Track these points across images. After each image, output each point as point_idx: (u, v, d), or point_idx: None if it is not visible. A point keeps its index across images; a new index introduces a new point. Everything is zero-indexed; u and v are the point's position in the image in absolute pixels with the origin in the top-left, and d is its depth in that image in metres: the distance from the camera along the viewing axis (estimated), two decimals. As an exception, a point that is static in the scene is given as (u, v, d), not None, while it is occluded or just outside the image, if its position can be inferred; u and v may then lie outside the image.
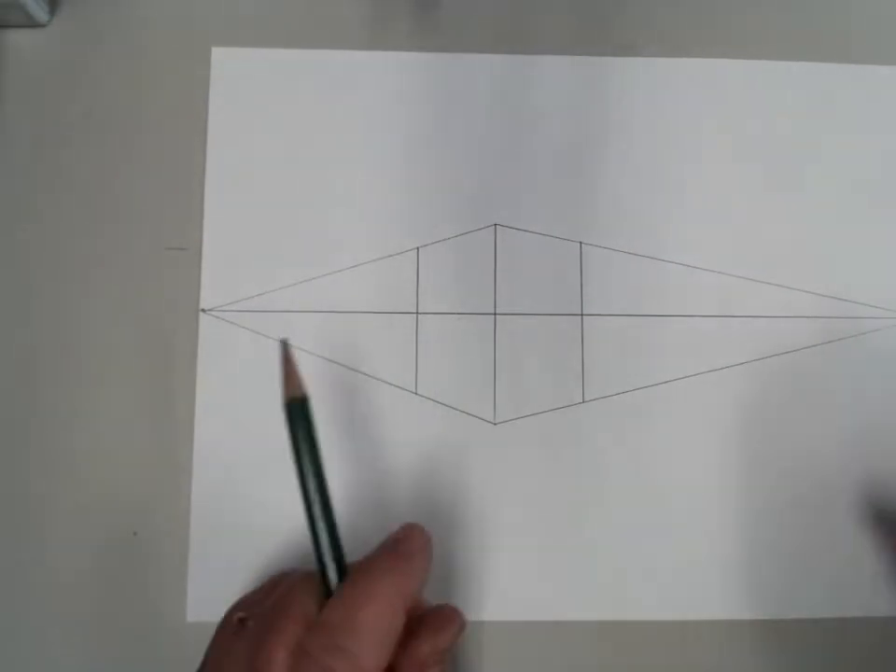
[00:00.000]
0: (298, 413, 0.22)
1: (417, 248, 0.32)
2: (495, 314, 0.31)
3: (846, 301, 0.32)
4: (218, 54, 0.33)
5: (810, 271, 0.32)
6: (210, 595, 0.30)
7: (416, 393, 0.31)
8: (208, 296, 0.31)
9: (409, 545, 0.23)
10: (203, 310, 0.31)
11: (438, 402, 0.31)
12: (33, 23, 0.32)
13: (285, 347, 0.22)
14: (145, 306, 0.31)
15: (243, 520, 0.30)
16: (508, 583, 0.30)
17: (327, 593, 0.22)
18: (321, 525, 0.22)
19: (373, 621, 0.21)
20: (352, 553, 0.23)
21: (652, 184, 0.33)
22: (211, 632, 0.30)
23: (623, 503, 0.31)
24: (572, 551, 0.31)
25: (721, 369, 0.32)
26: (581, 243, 0.32)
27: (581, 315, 0.32)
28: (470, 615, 0.30)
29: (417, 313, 0.32)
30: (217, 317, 0.31)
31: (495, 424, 0.31)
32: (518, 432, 0.31)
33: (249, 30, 0.33)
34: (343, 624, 0.21)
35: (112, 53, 0.33)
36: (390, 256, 0.32)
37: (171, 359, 0.31)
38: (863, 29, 0.34)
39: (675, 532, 0.31)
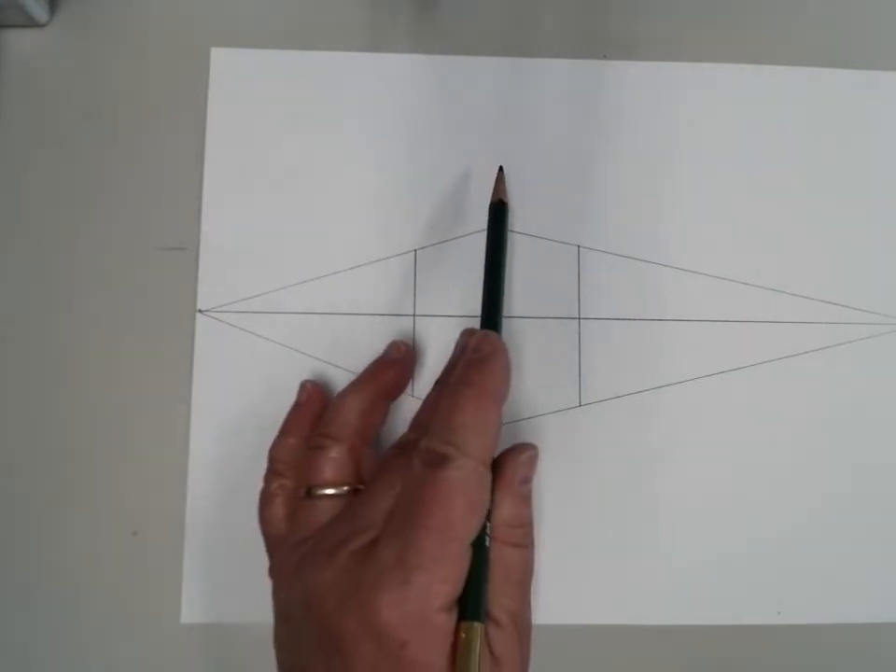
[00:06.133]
0: (498, 212, 0.30)
1: (415, 251, 0.32)
2: (492, 316, 0.31)
3: (845, 306, 0.32)
4: (218, 54, 0.33)
5: (810, 276, 0.32)
6: (204, 597, 0.30)
7: (413, 395, 0.31)
8: (205, 296, 0.31)
9: (480, 351, 0.26)
10: (200, 310, 0.31)
11: (434, 405, 0.31)
12: (32, 23, 0.32)
13: (501, 171, 0.31)
14: (142, 306, 0.31)
15: (239, 522, 0.30)
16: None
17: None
18: (496, 294, 0.29)
19: (471, 419, 0.24)
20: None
21: (651, 188, 0.33)
22: (206, 634, 0.30)
23: (619, 506, 0.31)
24: (568, 554, 0.30)
25: (720, 373, 0.32)
26: (578, 246, 0.32)
27: (579, 318, 0.32)
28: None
29: (415, 315, 0.31)
30: (214, 318, 0.31)
31: (491, 427, 0.31)
32: (514, 435, 0.31)
33: (249, 30, 0.33)
34: (446, 426, 0.24)
35: (112, 53, 0.33)
36: (388, 258, 0.32)
37: (167, 359, 0.31)
38: (864, 34, 0.34)
39: (672, 536, 0.31)
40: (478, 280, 0.29)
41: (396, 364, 0.30)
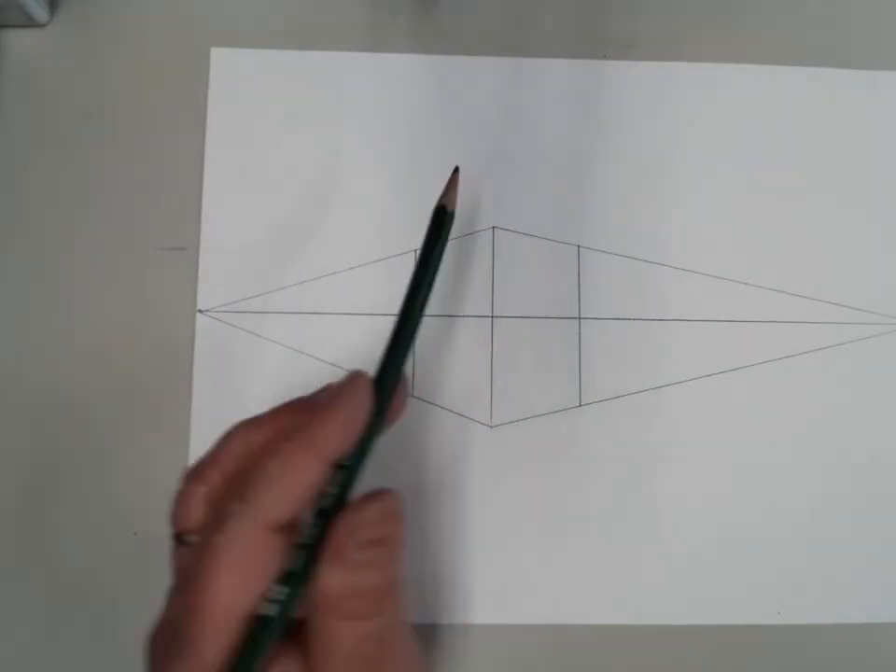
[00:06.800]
0: (440, 218, 0.25)
1: (415, 251, 0.32)
2: (492, 316, 0.31)
3: (845, 306, 0.32)
4: (218, 54, 0.33)
5: (810, 276, 0.32)
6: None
7: (413, 395, 0.31)
8: (205, 296, 0.31)
9: (317, 399, 0.22)
10: (201, 310, 0.31)
11: (434, 405, 0.31)
12: (32, 23, 0.32)
13: (456, 171, 0.26)
14: (142, 306, 0.31)
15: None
16: (501, 586, 0.30)
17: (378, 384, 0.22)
18: (408, 330, 0.23)
19: (274, 468, 0.20)
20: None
21: (651, 188, 0.33)
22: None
23: (619, 507, 0.31)
24: (567, 554, 0.30)
25: (720, 373, 0.32)
26: (578, 246, 0.32)
27: (579, 318, 0.32)
28: (462, 618, 0.30)
29: (414, 315, 0.31)
30: (214, 318, 0.31)
31: (491, 427, 0.31)
32: (515, 435, 0.31)
33: (249, 30, 0.33)
34: (248, 475, 0.20)
35: (112, 53, 0.33)
36: (388, 258, 0.32)
37: (167, 360, 0.31)
38: (864, 34, 0.34)
39: (672, 536, 0.31)
40: (479, 280, 0.29)
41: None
